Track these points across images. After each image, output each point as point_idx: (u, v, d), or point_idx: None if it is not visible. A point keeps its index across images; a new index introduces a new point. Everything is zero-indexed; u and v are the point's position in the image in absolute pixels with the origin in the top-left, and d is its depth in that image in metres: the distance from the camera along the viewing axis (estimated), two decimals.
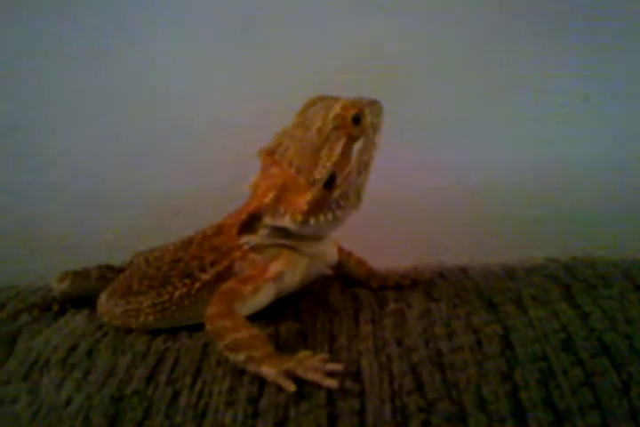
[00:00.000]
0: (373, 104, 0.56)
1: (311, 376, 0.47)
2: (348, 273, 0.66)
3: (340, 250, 0.64)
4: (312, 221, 0.54)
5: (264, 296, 0.55)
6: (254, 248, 0.57)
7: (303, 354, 0.49)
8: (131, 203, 0.93)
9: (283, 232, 0.56)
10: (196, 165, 0.91)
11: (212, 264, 0.58)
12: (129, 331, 0.61)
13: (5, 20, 0.89)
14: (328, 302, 0.61)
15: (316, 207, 0.54)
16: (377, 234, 0.81)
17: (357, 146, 0.55)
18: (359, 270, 0.65)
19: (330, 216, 0.54)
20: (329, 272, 0.65)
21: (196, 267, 0.58)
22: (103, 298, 0.64)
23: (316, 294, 0.62)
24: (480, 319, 0.54)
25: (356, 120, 0.54)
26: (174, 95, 0.89)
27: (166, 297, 0.58)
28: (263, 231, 0.57)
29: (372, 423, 0.44)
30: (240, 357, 0.49)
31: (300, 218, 0.54)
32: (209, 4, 0.88)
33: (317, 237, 0.58)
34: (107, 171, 0.93)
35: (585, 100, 0.86)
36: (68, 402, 0.51)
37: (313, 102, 0.57)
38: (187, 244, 0.61)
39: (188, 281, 0.58)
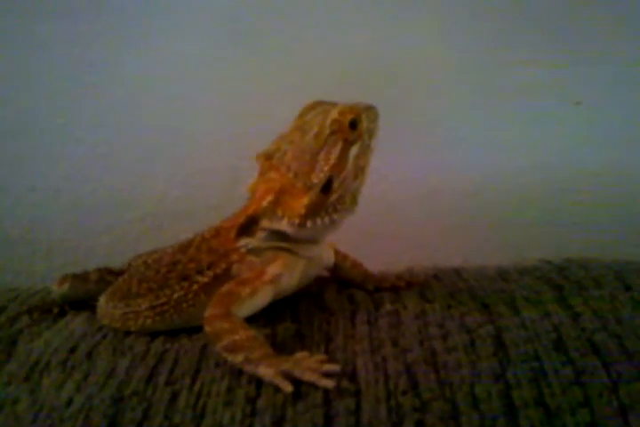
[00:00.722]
0: (370, 109, 0.57)
1: (308, 377, 0.47)
2: (344, 275, 0.67)
3: (336, 252, 0.65)
4: (309, 224, 0.55)
5: (262, 298, 0.56)
6: (252, 251, 0.58)
7: (300, 355, 0.50)
8: (129, 206, 0.93)
9: (280, 235, 0.57)
10: (193, 168, 0.92)
11: (210, 267, 0.58)
12: (128, 333, 0.62)
13: (4, 24, 0.89)
14: (325, 304, 0.62)
15: (314, 211, 0.55)
16: (372, 236, 0.81)
17: (354, 150, 0.55)
18: (355, 272, 0.66)
19: (327, 220, 0.55)
20: (325, 274, 0.66)
21: (194, 269, 0.59)
22: (102, 301, 0.65)
23: (313, 296, 0.63)
24: (473, 320, 0.55)
25: (353, 125, 0.55)
26: (173, 100, 0.90)
27: (164, 300, 0.59)
28: (261, 234, 0.57)
29: (368, 423, 0.44)
30: (238, 358, 0.50)
31: (297, 221, 0.55)
32: (206, 10, 0.88)
33: (314, 241, 0.59)
34: (106, 175, 0.93)
35: (577, 105, 0.87)
36: (69, 403, 0.51)
37: (311, 107, 0.58)
38: (185, 246, 0.62)
39: (186, 284, 0.59)
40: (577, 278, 0.61)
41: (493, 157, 0.90)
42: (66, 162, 0.93)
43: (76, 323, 0.66)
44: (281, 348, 0.53)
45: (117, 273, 0.69)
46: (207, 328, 0.52)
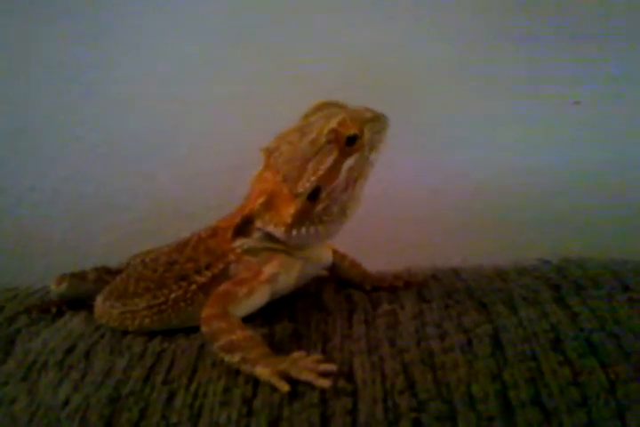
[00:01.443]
0: (376, 120, 0.54)
1: (304, 377, 0.47)
2: (341, 275, 0.66)
3: (335, 252, 0.65)
4: (294, 232, 0.54)
5: (259, 298, 0.56)
6: (248, 251, 0.58)
7: (297, 355, 0.50)
8: (128, 206, 0.93)
9: (274, 237, 0.56)
10: (193, 169, 0.92)
11: (208, 267, 0.58)
12: (126, 332, 0.62)
13: (5, 23, 0.89)
14: (322, 303, 0.62)
15: (300, 220, 0.54)
16: (370, 236, 0.81)
17: (349, 162, 0.53)
18: (353, 272, 0.66)
19: (312, 230, 0.54)
20: (323, 274, 0.66)
21: (191, 269, 0.59)
22: (99, 300, 0.65)
23: (311, 295, 0.63)
24: (471, 320, 0.55)
25: (352, 139, 0.53)
26: (173, 100, 0.90)
27: (162, 299, 0.59)
28: (256, 235, 0.57)
29: (365, 422, 0.44)
30: (235, 358, 0.50)
31: (282, 229, 0.54)
32: (207, 9, 0.88)
33: (303, 247, 0.58)
34: (105, 175, 0.93)
35: (576, 105, 0.87)
36: (66, 403, 0.51)
37: (317, 108, 0.57)
38: (182, 246, 0.62)
39: (183, 283, 0.59)
40: (575, 278, 0.61)
41: (492, 156, 0.89)
42: (66, 162, 0.93)
43: (74, 322, 0.66)
44: (278, 347, 0.53)
45: (115, 272, 0.69)
46: (204, 328, 0.52)
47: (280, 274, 0.57)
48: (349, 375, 0.49)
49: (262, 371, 0.48)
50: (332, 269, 0.66)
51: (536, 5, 0.86)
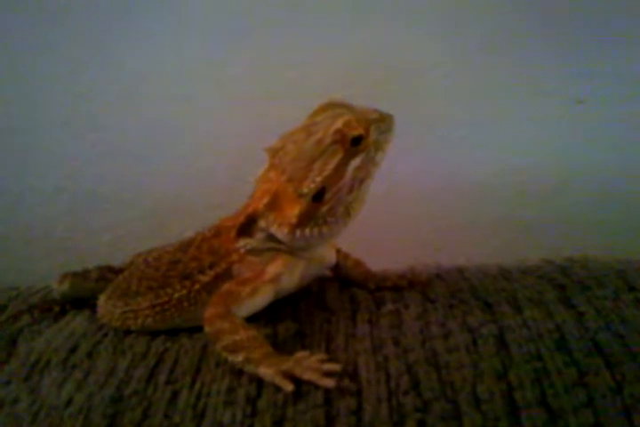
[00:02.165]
0: (383, 120, 0.54)
1: (308, 376, 0.47)
2: (345, 274, 0.66)
3: (338, 251, 0.65)
4: (298, 234, 0.54)
5: (262, 298, 0.56)
6: (251, 251, 0.57)
7: (301, 354, 0.50)
8: (130, 205, 0.93)
9: (277, 238, 0.56)
10: (194, 167, 0.92)
11: (211, 266, 0.58)
12: (129, 332, 0.61)
13: (3, 22, 0.89)
14: (326, 303, 0.61)
15: (304, 221, 0.53)
16: (374, 235, 0.81)
17: (355, 162, 0.53)
18: (357, 272, 0.66)
19: (316, 231, 0.54)
20: (327, 273, 0.66)
21: (195, 269, 0.59)
22: (102, 299, 0.65)
23: (314, 295, 0.63)
24: (476, 320, 0.55)
25: (357, 139, 0.52)
26: (173, 99, 0.89)
27: (165, 299, 0.59)
28: (260, 235, 0.57)
29: (369, 422, 0.44)
30: (238, 358, 0.50)
31: (286, 230, 0.54)
32: (208, 8, 0.88)
33: (306, 247, 0.57)
34: (106, 173, 0.93)
35: (579, 104, 0.87)
36: (69, 402, 0.51)
37: (324, 108, 0.56)
38: (186, 245, 0.61)
39: (187, 283, 0.59)
40: (579, 278, 0.61)
41: (495, 156, 0.89)
42: (66, 161, 0.93)
43: (77, 322, 0.66)
44: (282, 347, 0.53)
45: (118, 271, 0.69)
46: (207, 328, 0.52)
47: (283, 274, 0.57)
48: (354, 375, 0.49)
49: (266, 371, 0.48)
50: (336, 268, 0.65)
51: (537, 5, 0.85)
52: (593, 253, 0.68)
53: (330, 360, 0.49)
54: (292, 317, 0.59)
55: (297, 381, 0.47)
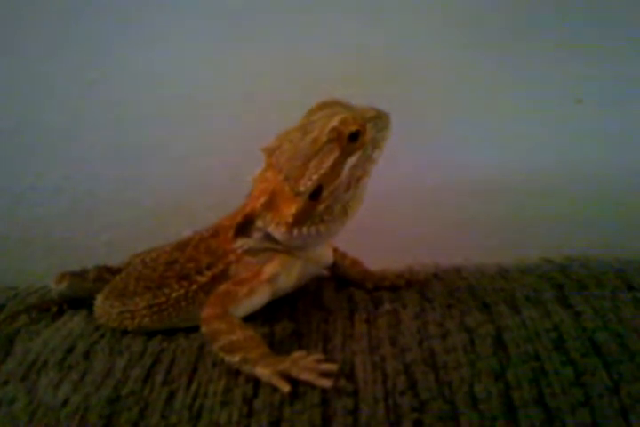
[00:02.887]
0: (379, 118, 0.54)
1: (305, 376, 0.47)
2: (343, 274, 0.66)
3: (335, 251, 0.65)
4: (295, 232, 0.53)
5: (259, 298, 0.55)
6: (249, 251, 0.57)
7: (297, 354, 0.49)
8: (129, 205, 0.93)
9: (274, 238, 0.56)
10: (194, 167, 0.92)
11: (209, 267, 0.58)
12: (126, 332, 0.61)
13: (5, 22, 0.89)
14: (323, 303, 0.61)
15: (301, 219, 0.53)
16: (372, 235, 0.81)
17: (352, 160, 0.53)
18: (354, 271, 0.66)
19: (313, 230, 0.54)
20: (324, 273, 0.66)
21: (192, 269, 0.59)
22: (99, 299, 0.65)
23: (311, 295, 0.63)
24: (473, 319, 0.54)
25: (354, 136, 0.52)
26: (173, 99, 0.89)
27: (163, 299, 0.59)
28: (257, 235, 0.57)
29: (366, 423, 0.44)
30: (235, 358, 0.49)
31: (283, 229, 0.54)
32: (209, 8, 0.88)
33: (304, 247, 0.57)
34: (105, 173, 0.93)
35: (578, 104, 0.87)
36: (65, 403, 0.51)
37: (320, 107, 0.56)
38: (183, 245, 0.61)
39: (184, 283, 0.59)
40: (578, 277, 0.61)
41: (494, 155, 0.89)
42: (66, 161, 0.93)
43: (74, 322, 0.66)
44: (279, 347, 0.53)
45: (115, 271, 0.69)
46: (204, 328, 0.52)
47: (280, 274, 0.57)
48: (350, 375, 0.49)
49: (263, 371, 0.48)
50: (333, 268, 0.65)
51: (537, 5, 0.85)
52: (593, 252, 0.68)
53: (327, 360, 0.49)
54: (289, 316, 0.59)
55: (294, 381, 0.47)
